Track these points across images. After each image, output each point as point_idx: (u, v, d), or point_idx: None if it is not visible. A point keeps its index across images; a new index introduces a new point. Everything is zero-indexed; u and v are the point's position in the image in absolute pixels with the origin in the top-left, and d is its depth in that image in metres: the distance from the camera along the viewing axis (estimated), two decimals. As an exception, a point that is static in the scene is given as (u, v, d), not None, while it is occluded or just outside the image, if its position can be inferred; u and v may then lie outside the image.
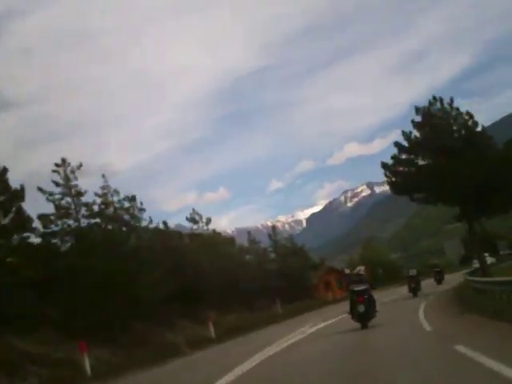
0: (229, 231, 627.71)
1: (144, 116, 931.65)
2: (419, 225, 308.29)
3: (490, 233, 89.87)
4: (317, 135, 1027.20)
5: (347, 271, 74.76)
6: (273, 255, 67.10)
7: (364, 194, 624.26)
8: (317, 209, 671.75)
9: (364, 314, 20.14)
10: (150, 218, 36.12)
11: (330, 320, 29.74)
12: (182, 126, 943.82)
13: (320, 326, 26.76)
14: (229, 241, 61.92)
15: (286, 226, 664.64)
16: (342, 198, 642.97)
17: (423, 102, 40.06)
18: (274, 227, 76.72)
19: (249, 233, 66.73)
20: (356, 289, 20.60)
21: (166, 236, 43.21)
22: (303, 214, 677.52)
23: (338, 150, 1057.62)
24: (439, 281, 52.97)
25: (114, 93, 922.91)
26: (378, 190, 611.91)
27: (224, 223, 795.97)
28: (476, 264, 55.30)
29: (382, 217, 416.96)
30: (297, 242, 75.95)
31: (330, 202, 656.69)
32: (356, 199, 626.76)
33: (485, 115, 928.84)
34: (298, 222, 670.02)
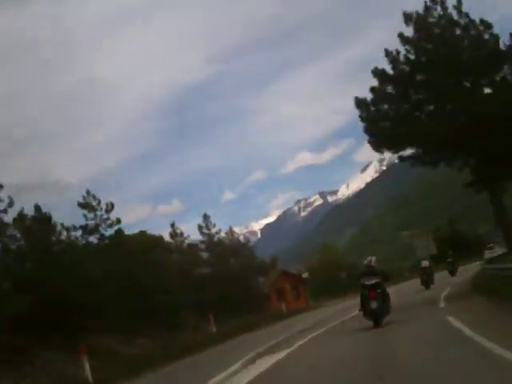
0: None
1: (92, 129, 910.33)
2: (374, 232, 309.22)
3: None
4: (269, 145, 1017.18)
5: (305, 275, 71.20)
6: (206, 255, 52.90)
7: (317, 203, 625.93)
8: (271, 219, 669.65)
9: (377, 310, 17.92)
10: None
11: (281, 351, 17.19)
12: (132, 138, 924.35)
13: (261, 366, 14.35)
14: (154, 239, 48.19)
15: (241, 237, 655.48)
16: (296, 208, 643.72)
17: None
18: (205, 216, 57.32)
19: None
20: (367, 283, 18.39)
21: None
22: (257, 225, 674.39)
23: (291, 159, 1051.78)
24: (452, 272, 50.97)
25: (62, 106, 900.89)
26: (330, 199, 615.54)
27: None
28: (489, 254, 55.60)
29: (335, 225, 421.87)
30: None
31: (283, 212, 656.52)
32: (309, 209, 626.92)
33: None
34: (253, 233, 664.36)
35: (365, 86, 27.10)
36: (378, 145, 28.41)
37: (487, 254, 58.22)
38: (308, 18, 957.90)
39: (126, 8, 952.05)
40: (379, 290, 18.35)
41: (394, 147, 28.57)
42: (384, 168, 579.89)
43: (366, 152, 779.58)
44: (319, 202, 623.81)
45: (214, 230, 54.05)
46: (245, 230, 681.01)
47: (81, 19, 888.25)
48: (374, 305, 17.98)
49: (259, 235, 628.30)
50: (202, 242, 54.67)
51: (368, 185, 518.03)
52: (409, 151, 28.96)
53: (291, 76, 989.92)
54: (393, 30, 26.41)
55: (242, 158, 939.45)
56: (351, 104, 27.72)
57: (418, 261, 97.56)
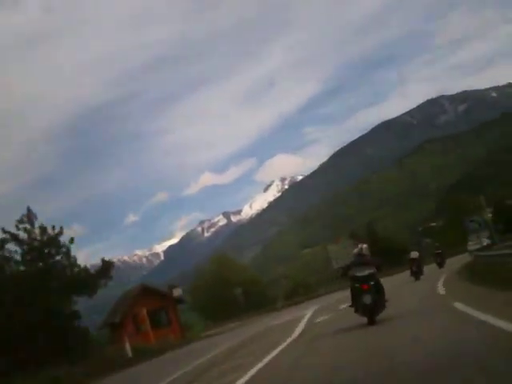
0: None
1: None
2: (277, 251, 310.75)
3: None
4: (172, 166, 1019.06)
5: (177, 293, 53.75)
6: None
7: (221, 223, 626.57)
8: (174, 241, 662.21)
9: (371, 305, 15.94)
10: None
11: None
12: (31, 161, 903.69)
13: None
14: None
15: (144, 259, 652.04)
16: (200, 229, 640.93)
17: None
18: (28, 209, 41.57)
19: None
20: (359, 274, 16.34)
21: None
22: (160, 247, 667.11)
23: (194, 180, 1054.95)
24: (440, 264, 49.39)
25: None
26: (234, 218, 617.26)
27: (80, 259, 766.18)
28: (472, 246, 54.43)
29: (239, 245, 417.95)
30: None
31: (187, 234, 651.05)
32: (213, 229, 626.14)
33: (331, 142, 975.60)
34: (156, 255, 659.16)
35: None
36: None
37: (471, 246, 57.01)
38: (210, 40, 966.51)
39: (28, 33, 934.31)
40: (373, 282, 16.28)
41: None
42: (286, 187, 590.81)
43: (268, 171, 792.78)
44: (223, 222, 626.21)
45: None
46: (148, 253, 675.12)
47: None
48: (367, 299, 15.93)
49: (162, 257, 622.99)
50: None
51: (270, 204, 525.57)
52: None
53: (193, 97, 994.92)
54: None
55: (145, 179, 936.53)
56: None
57: (337, 270, 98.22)
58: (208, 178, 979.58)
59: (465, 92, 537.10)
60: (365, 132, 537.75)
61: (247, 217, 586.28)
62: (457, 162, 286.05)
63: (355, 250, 17.52)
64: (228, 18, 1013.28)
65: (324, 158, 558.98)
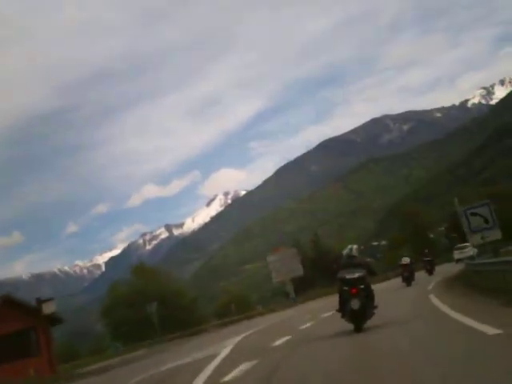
0: (24, 277, 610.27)
1: None
2: (218, 266, 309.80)
3: None
4: (115, 177, 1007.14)
5: (50, 309, 37.90)
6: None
7: (163, 236, 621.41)
8: (116, 252, 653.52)
9: (359, 311, 14.61)
10: None
11: None
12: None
13: None
14: None
15: (85, 270, 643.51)
16: (141, 241, 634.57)
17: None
18: None
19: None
20: (348, 276, 14.97)
21: None
22: (102, 258, 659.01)
23: (136, 192, 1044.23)
24: (430, 271, 47.63)
25: None
26: (176, 232, 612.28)
27: (19, 268, 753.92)
28: (458, 254, 55.66)
29: (180, 258, 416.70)
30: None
31: (128, 245, 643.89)
32: (155, 242, 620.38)
33: (275, 158, 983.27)
34: (97, 266, 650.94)
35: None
36: None
37: (457, 255, 57.03)
38: (158, 55, 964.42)
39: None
40: (362, 286, 15.04)
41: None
42: (229, 201, 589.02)
43: (212, 185, 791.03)
44: (165, 234, 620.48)
45: None
46: (89, 264, 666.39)
47: None
48: (355, 304, 14.72)
49: (103, 268, 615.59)
50: None
51: (213, 218, 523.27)
52: None
53: (139, 110, 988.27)
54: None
55: (87, 190, 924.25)
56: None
57: (278, 287, 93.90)
58: (151, 190, 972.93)
59: (409, 112, 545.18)
60: (310, 149, 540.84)
61: (189, 230, 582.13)
62: (400, 181, 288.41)
63: (345, 251, 16.00)
64: (177, 35, 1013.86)
65: (268, 174, 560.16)
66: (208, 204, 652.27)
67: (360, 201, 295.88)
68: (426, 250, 52.11)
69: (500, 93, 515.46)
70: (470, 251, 52.53)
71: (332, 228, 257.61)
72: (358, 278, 14.87)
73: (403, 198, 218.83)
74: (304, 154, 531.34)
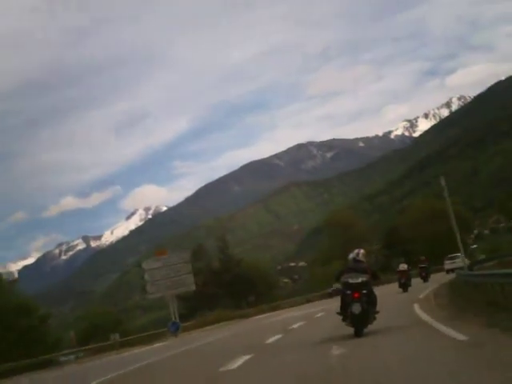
0: None
1: None
2: (132, 280, 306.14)
3: None
4: (35, 187, 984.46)
5: None
6: None
7: (80, 247, 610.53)
8: (30, 261, 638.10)
9: (360, 316, 14.56)
10: None
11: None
12: None
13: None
14: None
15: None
16: (57, 251, 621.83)
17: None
18: None
19: None
20: (351, 281, 14.96)
21: None
22: (15, 266, 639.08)
23: (55, 202, 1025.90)
24: (425, 278, 47.78)
25: None
26: (93, 243, 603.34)
27: None
28: (449, 265, 55.32)
29: (96, 270, 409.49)
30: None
31: (43, 255, 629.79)
32: (71, 252, 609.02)
33: (198, 178, 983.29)
34: (9, 273, 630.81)
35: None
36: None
37: (448, 265, 56.55)
38: (84, 69, 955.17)
39: None
40: (365, 291, 15.07)
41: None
42: (149, 217, 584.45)
43: (133, 200, 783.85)
44: (82, 246, 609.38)
45: None
46: (1, 271, 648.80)
47: None
48: (356, 308, 14.71)
49: (16, 276, 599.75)
50: None
51: (132, 232, 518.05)
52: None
53: (61, 122, 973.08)
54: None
55: (5, 197, 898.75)
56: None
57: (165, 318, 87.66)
58: (71, 201, 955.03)
59: (333, 140, 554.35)
60: (233, 170, 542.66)
61: (107, 243, 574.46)
62: (320, 206, 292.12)
63: (350, 255, 15.98)
64: (103, 51, 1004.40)
65: (190, 192, 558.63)
66: (128, 218, 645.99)
67: (279, 223, 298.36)
68: (423, 257, 52.11)
69: (423, 126, 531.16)
70: (461, 262, 53.32)
71: (249, 248, 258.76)
72: (361, 283, 14.93)
73: (322, 223, 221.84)
74: (227, 174, 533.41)
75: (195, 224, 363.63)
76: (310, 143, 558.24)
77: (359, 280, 14.91)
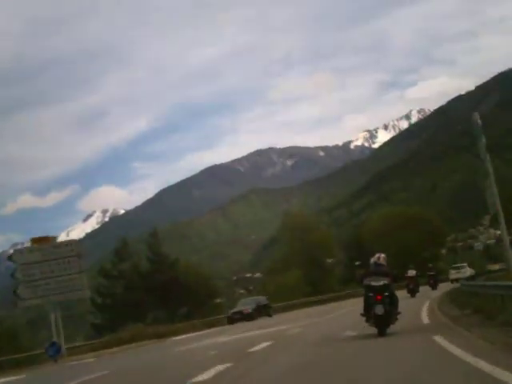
0: None
1: None
2: None
3: None
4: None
5: None
6: None
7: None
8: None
9: (383, 317, 15.52)
10: None
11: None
12: None
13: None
14: None
15: None
16: (12, 251, 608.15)
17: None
18: None
19: None
20: (374, 284, 15.92)
21: None
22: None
23: (13, 200, 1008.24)
24: (434, 286, 48.21)
25: None
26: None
27: None
28: (455, 275, 55.19)
29: None
30: None
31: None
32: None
33: (158, 180, 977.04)
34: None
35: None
36: None
37: (453, 275, 56.42)
38: (44, 63, 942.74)
39: None
40: (387, 293, 15.98)
41: None
42: (107, 219, 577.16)
43: (91, 201, 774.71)
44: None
45: None
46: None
47: None
48: (379, 310, 15.61)
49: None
50: None
51: (88, 235, 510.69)
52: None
53: (18, 116, 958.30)
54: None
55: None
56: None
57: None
58: (29, 199, 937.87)
59: (293, 148, 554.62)
60: (193, 174, 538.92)
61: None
62: (278, 216, 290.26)
63: (372, 259, 16.97)
64: (65, 46, 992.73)
65: (149, 195, 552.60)
66: (85, 220, 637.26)
67: (237, 232, 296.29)
68: (431, 265, 53.47)
69: (383, 137, 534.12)
70: (467, 272, 54.76)
71: (204, 256, 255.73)
72: (384, 286, 15.87)
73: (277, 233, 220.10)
74: (187, 178, 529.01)
75: (152, 228, 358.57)
76: (271, 149, 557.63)
77: (381, 283, 15.90)
